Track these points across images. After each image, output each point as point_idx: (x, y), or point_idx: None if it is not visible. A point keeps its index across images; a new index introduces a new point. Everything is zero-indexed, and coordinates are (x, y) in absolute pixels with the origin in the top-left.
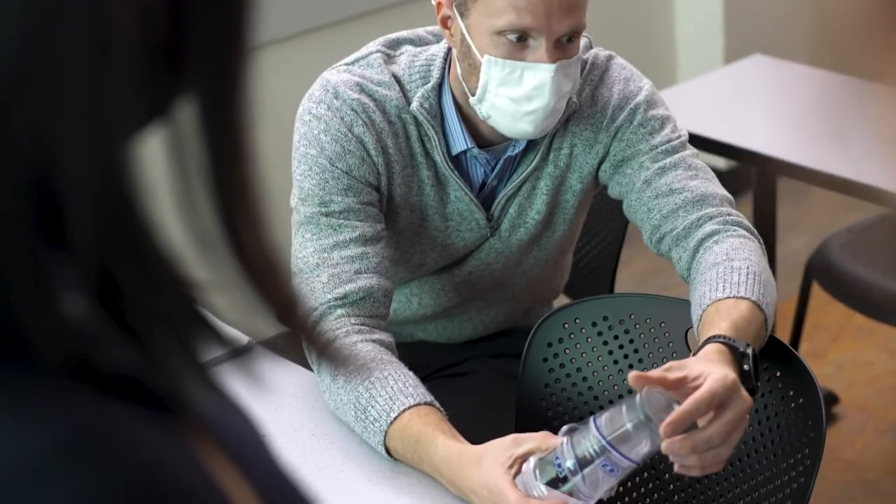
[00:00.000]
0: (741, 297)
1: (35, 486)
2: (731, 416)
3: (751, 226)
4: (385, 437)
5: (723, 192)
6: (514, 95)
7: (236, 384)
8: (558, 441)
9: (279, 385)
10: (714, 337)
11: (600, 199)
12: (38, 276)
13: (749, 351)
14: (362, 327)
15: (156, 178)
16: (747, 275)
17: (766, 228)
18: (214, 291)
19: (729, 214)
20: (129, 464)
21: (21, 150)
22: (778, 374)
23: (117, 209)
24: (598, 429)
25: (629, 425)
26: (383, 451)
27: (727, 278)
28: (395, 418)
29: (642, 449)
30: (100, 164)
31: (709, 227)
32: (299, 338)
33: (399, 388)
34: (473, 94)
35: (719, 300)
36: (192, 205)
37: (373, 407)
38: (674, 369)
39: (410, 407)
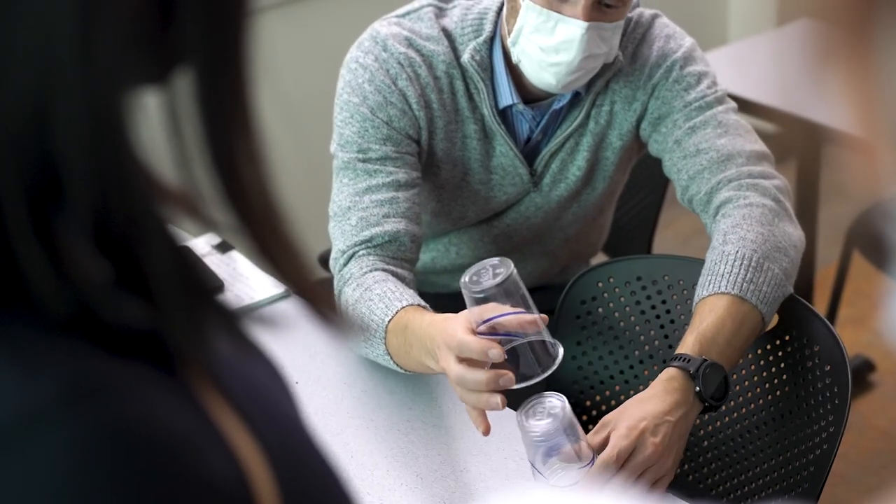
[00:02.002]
0: (722, 293)
1: (29, 436)
2: (636, 461)
3: (771, 185)
4: (385, 341)
5: (752, 146)
6: (544, 45)
7: (268, 332)
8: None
9: (313, 333)
10: (674, 358)
11: (642, 158)
12: (40, 229)
13: (700, 371)
14: (379, 263)
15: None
16: (734, 262)
17: (809, 194)
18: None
19: (749, 175)
20: (124, 416)
21: (18, 105)
22: (805, 339)
23: (112, 161)
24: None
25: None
26: (389, 361)
27: (714, 270)
28: (389, 320)
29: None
30: (94, 115)
31: (724, 194)
32: (316, 294)
33: (396, 296)
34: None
35: (701, 299)
36: (190, 173)
37: (372, 320)
38: (599, 431)
39: (403, 307)
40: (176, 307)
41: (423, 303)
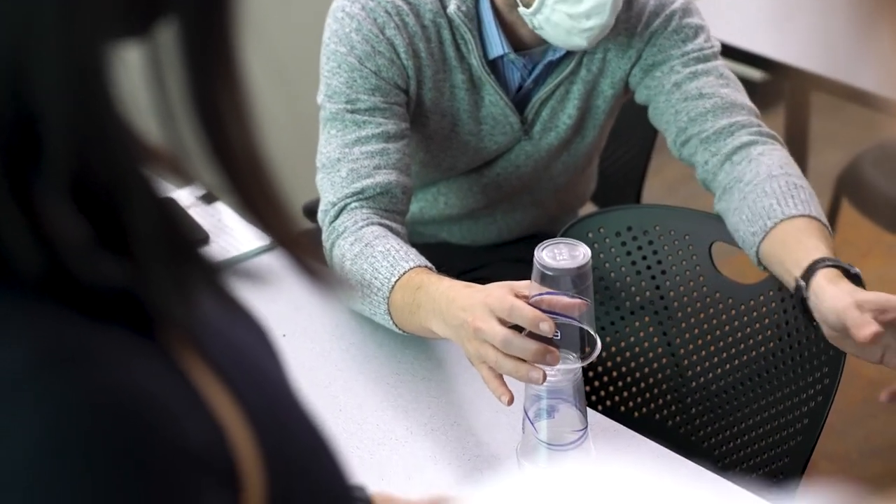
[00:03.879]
0: (813, 217)
1: (3, 403)
2: None
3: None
4: (388, 302)
5: (752, 105)
6: (573, 12)
7: (252, 286)
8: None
9: (300, 285)
10: (822, 261)
11: (630, 107)
12: (17, 189)
13: (857, 272)
14: (373, 216)
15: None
16: (810, 193)
17: (797, 142)
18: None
19: (760, 126)
20: (100, 383)
21: None
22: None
23: (91, 117)
24: None
25: None
26: (388, 321)
27: (794, 194)
28: (396, 280)
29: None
30: (73, 70)
31: (745, 137)
32: (299, 247)
33: (401, 255)
34: (527, 6)
35: (794, 217)
36: (173, 128)
37: (376, 279)
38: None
39: (412, 268)
40: (157, 266)
41: (428, 263)
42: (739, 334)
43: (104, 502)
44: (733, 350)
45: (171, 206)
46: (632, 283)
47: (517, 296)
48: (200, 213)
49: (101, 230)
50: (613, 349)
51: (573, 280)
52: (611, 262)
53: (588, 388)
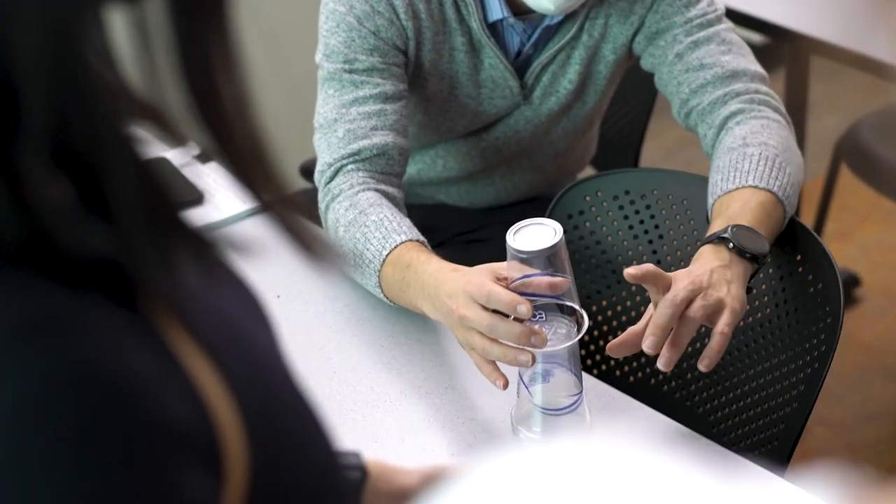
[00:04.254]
0: (748, 187)
1: None
2: (696, 305)
3: (779, 104)
4: (379, 275)
5: (756, 68)
6: None
7: (239, 255)
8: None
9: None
10: (710, 238)
11: (630, 70)
12: None
13: (730, 231)
14: (369, 180)
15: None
16: (759, 161)
17: (797, 106)
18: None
19: (757, 92)
20: (77, 354)
21: None
22: (798, 257)
23: (72, 76)
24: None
25: None
26: (379, 293)
27: (738, 167)
28: (388, 254)
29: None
30: (52, 27)
31: (734, 106)
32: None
33: (393, 227)
34: None
35: (726, 193)
36: (160, 89)
37: (367, 249)
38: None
39: (404, 242)
40: (139, 232)
41: (421, 237)
42: None
43: (78, 476)
44: None
45: (156, 171)
46: (629, 246)
47: (498, 279)
48: (195, 173)
49: (83, 196)
50: (609, 313)
51: (548, 259)
52: (608, 226)
53: (583, 352)
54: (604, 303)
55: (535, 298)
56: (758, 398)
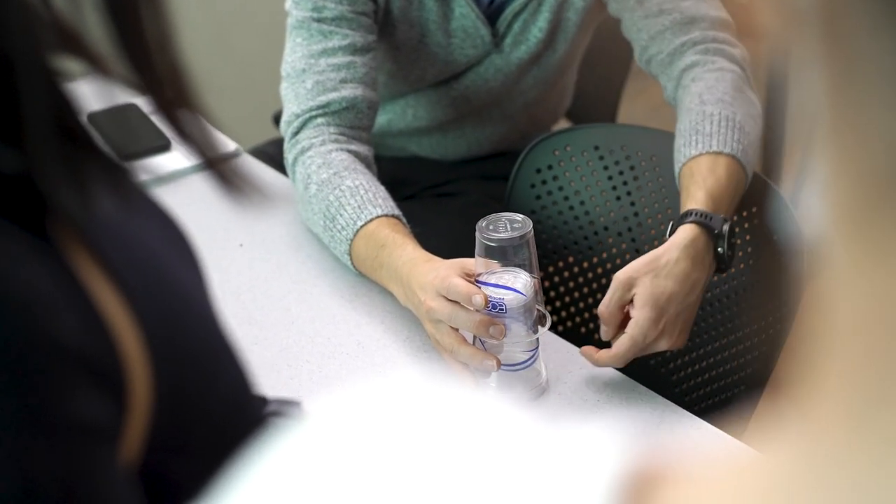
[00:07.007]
0: (714, 153)
1: None
2: (656, 347)
3: (735, 52)
4: (351, 245)
5: (715, 13)
6: None
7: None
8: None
9: (259, 194)
10: (690, 214)
11: (607, 22)
12: None
13: (725, 229)
14: (340, 137)
15: None
16: (720, 122)
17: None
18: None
19: (714, 40)
20: None
21: None
22: (754, 209)
23: None
24: None
25: None
26: (347, 261)
27: (699, 128)
28: (362, 225)
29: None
30: None
31: (690, 58)
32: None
33: (369, 197)
34: None
35: (694, 157)
36: (80, 14)
37: (341, 215)
38: (618, 291)
39: (379, 216)
40: (49, 154)
41: (396, 210)
42: None
43: None
44: None
45: (71, 96)
46: (596, 202)
47: (468, 274)
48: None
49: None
50: (576, 269)
51: (515, 249)
52: (576, 182)
53: (549, 308)
54: (570, 259)
55: (501, 289)
56: (720, 358)
